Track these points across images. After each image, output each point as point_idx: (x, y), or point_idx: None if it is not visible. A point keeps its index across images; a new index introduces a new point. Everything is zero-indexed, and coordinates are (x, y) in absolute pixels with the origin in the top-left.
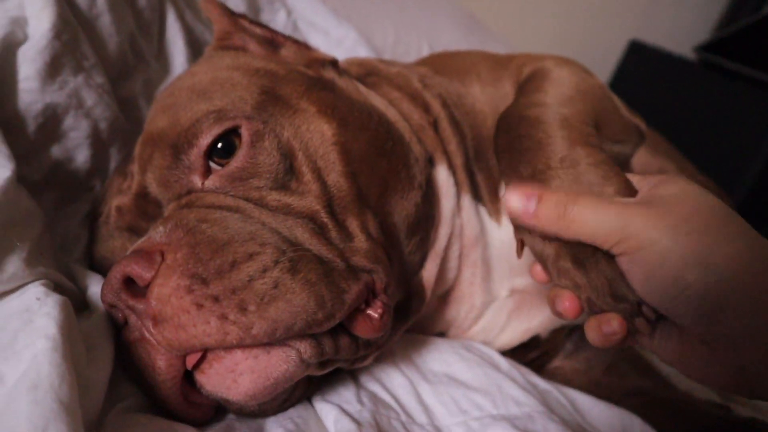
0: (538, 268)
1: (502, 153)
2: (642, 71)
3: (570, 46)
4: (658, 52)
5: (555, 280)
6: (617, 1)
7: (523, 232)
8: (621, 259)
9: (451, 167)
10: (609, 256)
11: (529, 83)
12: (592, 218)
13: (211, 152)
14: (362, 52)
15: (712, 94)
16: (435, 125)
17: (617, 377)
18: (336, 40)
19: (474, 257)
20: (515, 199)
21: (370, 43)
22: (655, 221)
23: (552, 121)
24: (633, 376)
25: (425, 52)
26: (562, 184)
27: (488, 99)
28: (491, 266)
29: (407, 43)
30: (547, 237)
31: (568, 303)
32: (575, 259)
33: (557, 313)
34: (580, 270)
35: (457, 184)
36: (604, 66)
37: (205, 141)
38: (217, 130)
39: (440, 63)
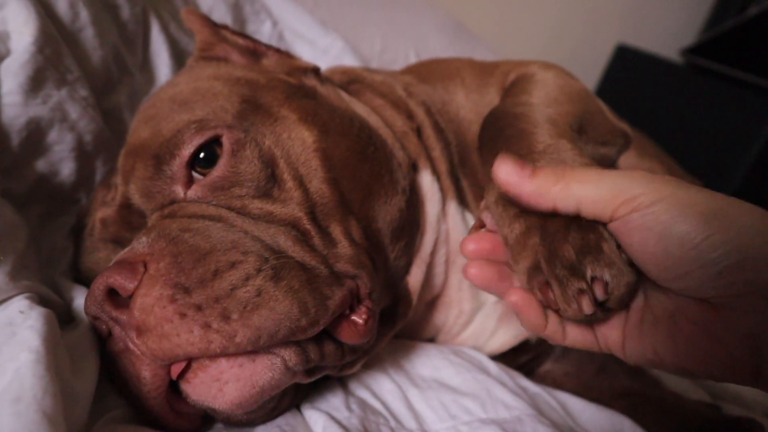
0: (472, 245)
1: (485, 144)
2: (629, 75)
3: (558, 52)
4: (644, 56)
5: (513, 261)
6: (603, 6)
7: (495, 207)
8: (627, 219)
9: (436, 173)
10: (587, 226)
11: (514, 87)
12: (593, 185)
13: (193, 162)
14: (349, 61)
15: (699, 97)
16: (418, 132)
17: (607, 379)
18: (322, 49)
19: (461, 263)
20: (508, 167)
21: (357, 52)
22: (661, 181)
23: (537, 117)
24: (623, 378)
25: (412, 60)
26: (547, 165)
27: (473, 106)
28: None
29: (394, 51)
30: (522, 212)
31: (514, 297)
32: (544, 234)
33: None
34: (544, 245)
35: (442, 190)
36: (592, 70)
37: (186, 151)
38: (198, 140)
39: (425, 70)
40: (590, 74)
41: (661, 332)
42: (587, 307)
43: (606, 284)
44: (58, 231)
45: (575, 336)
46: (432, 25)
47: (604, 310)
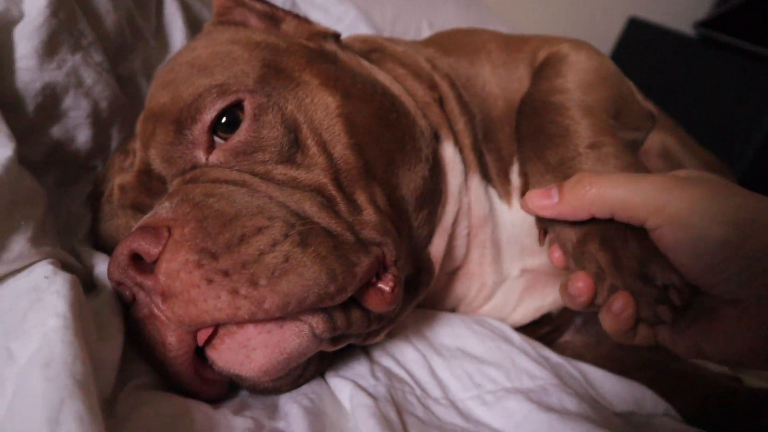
0: (557, 252)
1: (526, 138)
2: (641, 48)
3: (569, 23)
4: (657, 29)
5: (576, 266)
6: None
7: (547, 222)
8: (660, 232)
9: (458, 144)
10: (640, 233)
11: (547, 68)
12: (625, 189)
13: (214, 127)
14: (362, 29)
15: (713, 70)
16: (441, 103)
17: (627, 350)
18: (336, 18)
19: (483, 237)
20: (536, 198)
21: (370, 21)
22: (691, 190)
23: (576, 108)
24: (643, 349)
25: (425, 30)
26: (592, 167)
27: (499, 80)
28: (501, 247)
29: (407, 21)
30: (574, 222)
31: (581, 283)
32: (603, 240)
33: (569, 297)
34: (606, 251)
35: (464, 162)
36: (603, 43)
37: (208, 116)
38: (220, 105)
39: (448, 42)
40: (602, 47)
41: (702, 328)
42: (666, 314)
43: (677, 289)
44: (74, 198)
45: (642, 334)
46: None
47: (678, 313)
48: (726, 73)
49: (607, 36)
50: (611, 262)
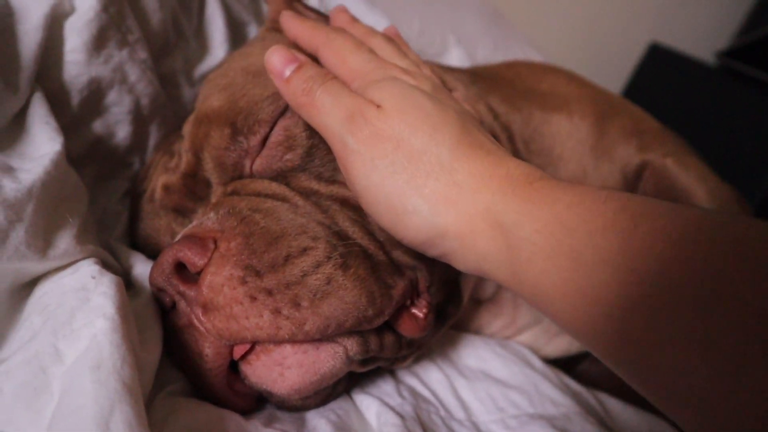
0: None
1: None
2: (661, 74)
3: (589, 47)
4: (677, 56)
5: None
6: (638, 2)
7: None
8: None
9: None
10: None
11: (686, 195)
12: (330, 110)
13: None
14: None
15: (732, 100)
16: None
17: None
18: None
19: None
20: (277, 56)
21: (401, 32)
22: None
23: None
24: None
25: (451, 44)
26: None
27: (575, 144)
28: None
29: (431, 35)
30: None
31: None
32: None
33: None
34: None
35: None
36: (622, 68)
37: (264, 129)
38: (274, 116)
39: (522, 85)
40: (620, 72)
41: None
42: None
43: None
44: (110, 195)
45: None
46: (469, 10)
47: None
48: (746, 104)
49: (626, 60)
50: None
